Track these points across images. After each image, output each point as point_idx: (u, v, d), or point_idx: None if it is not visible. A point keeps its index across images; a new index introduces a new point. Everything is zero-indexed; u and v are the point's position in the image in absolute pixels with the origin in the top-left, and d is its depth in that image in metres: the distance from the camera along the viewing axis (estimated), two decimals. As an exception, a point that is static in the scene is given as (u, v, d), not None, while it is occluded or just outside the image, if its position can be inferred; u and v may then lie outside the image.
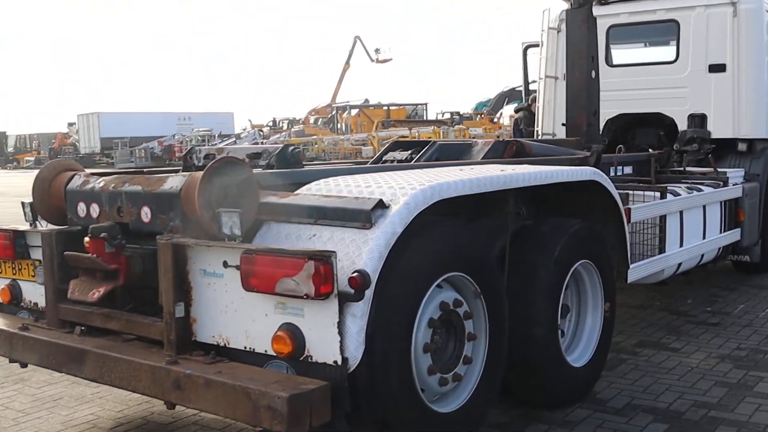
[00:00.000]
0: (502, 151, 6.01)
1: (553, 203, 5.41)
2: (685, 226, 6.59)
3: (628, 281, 5.62)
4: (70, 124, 64.24)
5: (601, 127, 9.21)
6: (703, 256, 7.06)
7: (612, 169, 7.29)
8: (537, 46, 10.07)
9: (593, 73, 7.78)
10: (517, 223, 4.89)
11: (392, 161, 5.84)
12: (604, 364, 5.22)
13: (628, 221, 5.51)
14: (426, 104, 61.67)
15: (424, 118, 56.86)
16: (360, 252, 3.33)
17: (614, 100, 9.26)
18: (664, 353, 5.99)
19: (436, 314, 3.76)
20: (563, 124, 8.11)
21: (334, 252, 3.18)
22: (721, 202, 7.42)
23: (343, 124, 58.93)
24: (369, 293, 3.27)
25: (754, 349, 6.06)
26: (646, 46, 9.89)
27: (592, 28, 7.71)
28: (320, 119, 64.01)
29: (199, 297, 3.59)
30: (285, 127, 64.20)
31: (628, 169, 7.66)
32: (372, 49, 67.90)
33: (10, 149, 60.76)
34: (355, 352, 3.25)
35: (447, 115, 52.83)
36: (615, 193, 5.22)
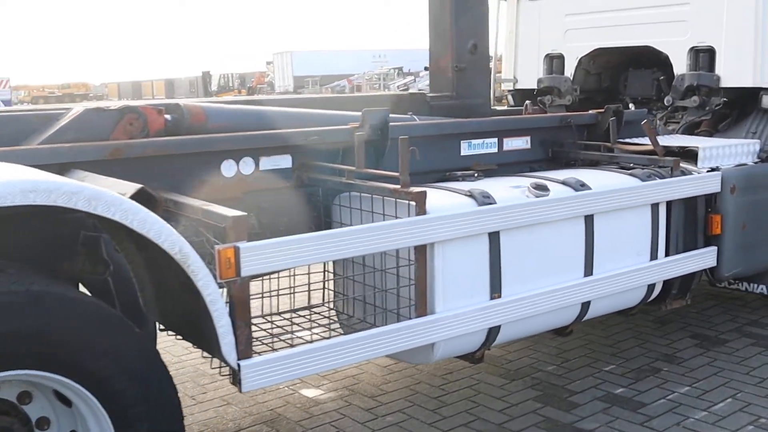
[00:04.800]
0: (111, 128, 3.39)
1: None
2: (511, 258, 3.57)
3: (244, 390, 2.88)
4: (269, 63, 65.60)
5: (572, 69, 6.14)
6: (587, 306, 3.96)
7: (469, 145, 4.39)
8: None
9: (469, -16, 4.77)
10: None
11: None
12: None
13: (232, 275, 2.75)
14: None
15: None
16: None
17: (589, 28, 6.05)
18: None
19: None
20: (425, 68, 5.15)
21: None
22: (653, 206, 4.18)
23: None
24: None
25: None
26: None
27: None
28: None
29: None
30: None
31: (519, 143, 4.64)
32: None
33: (214, 88, 63.06)
34: None
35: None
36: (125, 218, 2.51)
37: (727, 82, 5.21)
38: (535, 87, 6.37)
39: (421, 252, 3.27)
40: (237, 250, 2.74)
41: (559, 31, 6.21)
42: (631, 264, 4.10)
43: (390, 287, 3.39)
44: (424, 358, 3.49)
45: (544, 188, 3.71)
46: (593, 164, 4.65)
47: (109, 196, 2.47)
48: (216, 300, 2.70)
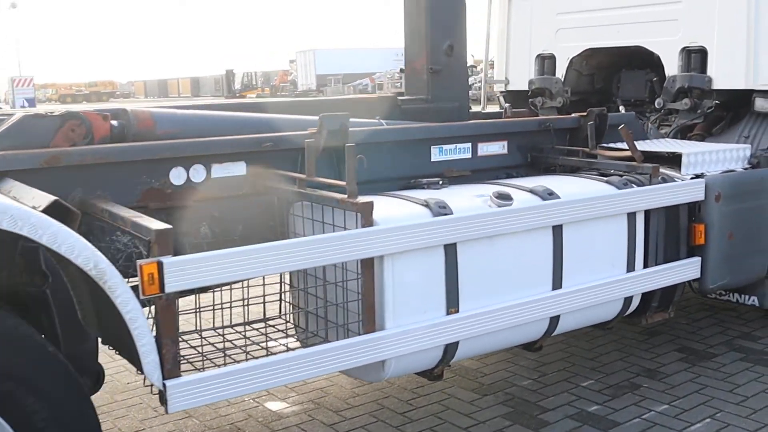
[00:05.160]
0: (51, 135, 3.28)
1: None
2: (469, 271, 3.41)
3: (171, 411, 2.74)
4: (291, 61, 65.69)
5: (563, 70, 5.95)
6: (556, 320, 3.78)
7: (440, 151, 4.23)
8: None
9: (445, -18, 4.61)
10: None
11: None
12: None
13: (155, 291, 2.62)
14: None
15: None
16: None
17: (579, 28, 5.86)
18: None
19: None
20: (401, 70, 4.98)
21: None
22: (629, 215, 4.00)
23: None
24: None
25: None
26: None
27: None
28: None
29: None
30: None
31: (494, 148, 4.47)
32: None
33: (237, 86, 63.28)
34: None
35: None
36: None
37: (719, 83, 5.00)
38: (527, 88, 6.20)
39: (368, 266, 3.12)
40: (161, 265, 2.61)
41: (550, 30, 6.03)
42: (605, 276, 3.92)
43: (340, 301, 3.25)
44: (374, 375, 3.34)
45: (506, 197, 3.54)
46: (574, 170, 4.47)
47: (16, 210, 2.36)
48: (136, 318, 2.58)
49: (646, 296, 4.20)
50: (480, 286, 3.46)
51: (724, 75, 4.97)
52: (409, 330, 3.23)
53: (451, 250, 3.35)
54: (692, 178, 4.31)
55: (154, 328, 2.71)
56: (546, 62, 6.11)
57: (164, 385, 2.69)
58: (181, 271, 2.66)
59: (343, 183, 3.16)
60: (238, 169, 3.59)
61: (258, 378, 2.89)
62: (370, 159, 3.88)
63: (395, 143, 4.02)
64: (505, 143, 4.48)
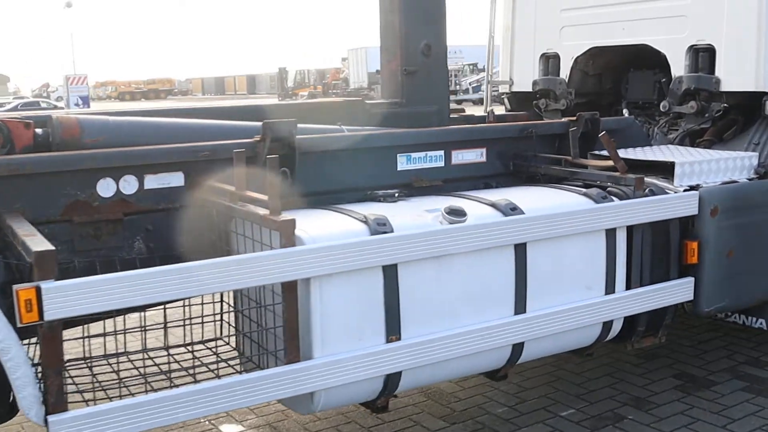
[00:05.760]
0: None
1: None
2: (413, 295, 3.10)
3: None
4: (344, 59, 65.59)
5: (568, 70, 5.59)
6: (520, 347, 3.44)
7: (408, 159, 3.94)
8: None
9: (422, -22, 4.30)
10: None
11: None
12: None
13: (34, 319, 2.38)
14: None
15: None
16: None
17: (584, 25, 5.49)
18: None
19: None
20: (377, 72, 4.67)
21: None
22: (608, 232, 3.62)
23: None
24: None
25: None
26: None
27: None
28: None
29: None
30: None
31: (471, 156, 4.16)
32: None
33: (290, 84, 63.47)
34: None
35: None
36: None
37: (727, 85, 4.58)
38: (531, 89, 5.83)
39: (290, 289, 2.84)
40: (39, 291, 2.38)
41: (554, 28, 5.65)
42: (579, 299, 3.56)
43: (270, 326, 2.99)
44: (304, 407, 3.06)
45: (459, 213, 3.22)
46: (559, 181, 4.11)
47: None
48: (8, 348, 2.38)
49: (631, 320, 3.83)
50: (427, 311, 3.15)
51: (732, 76, 4.55)
52: (339, 360, 2.95)
53: (390, 272, 3.05)
54: (686, 190, 3.92)
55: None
56: (551, 62, 5.74)
57: (46, 420, 2.46)
58: (63, 297, 2.42)
59: (265, 198, 2.89)
60: (176, 179, 3.36)
61: (160, 412, 2.64)
62: (327, 168, 3.64)
63: (355, 151, 3.74)
64: (484, 150, 4.17)
